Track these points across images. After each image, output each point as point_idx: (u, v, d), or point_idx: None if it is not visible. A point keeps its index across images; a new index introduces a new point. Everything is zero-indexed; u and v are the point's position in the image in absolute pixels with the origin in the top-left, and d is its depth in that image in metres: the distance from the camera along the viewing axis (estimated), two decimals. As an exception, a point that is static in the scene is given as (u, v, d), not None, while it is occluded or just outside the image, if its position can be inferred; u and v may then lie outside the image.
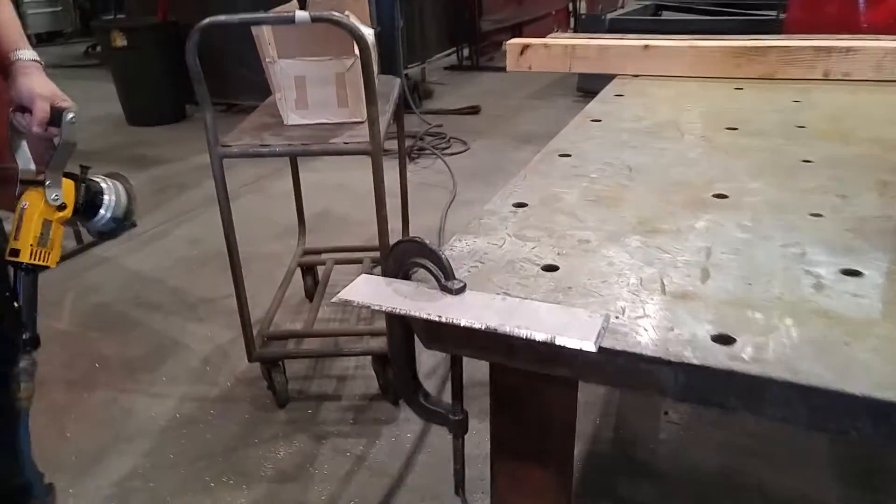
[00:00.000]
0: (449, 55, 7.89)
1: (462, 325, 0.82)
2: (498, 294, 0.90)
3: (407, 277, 0.95)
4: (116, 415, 2.15)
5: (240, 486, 1.84)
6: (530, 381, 0.93)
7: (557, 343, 0.77)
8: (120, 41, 5.72)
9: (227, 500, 1.79)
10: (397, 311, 0.85)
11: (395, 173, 2.61)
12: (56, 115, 1.29)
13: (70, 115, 1.29)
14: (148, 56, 5.71)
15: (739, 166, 1.38)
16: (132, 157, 4.97)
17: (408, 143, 4.69)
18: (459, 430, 0.99)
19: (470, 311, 0.85)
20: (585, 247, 1.04)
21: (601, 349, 0.77)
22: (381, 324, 2.19)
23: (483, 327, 0.81)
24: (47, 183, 1.31)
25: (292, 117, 2.13)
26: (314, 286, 2.77)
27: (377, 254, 2.40)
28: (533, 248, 1.05)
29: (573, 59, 2.10)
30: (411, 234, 0.96)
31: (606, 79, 2.05)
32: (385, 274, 0.96)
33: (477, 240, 1.08)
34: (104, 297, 2.91)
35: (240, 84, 5.11)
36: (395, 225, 2.98)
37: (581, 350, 0.77)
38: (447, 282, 0.90)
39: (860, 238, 1.02)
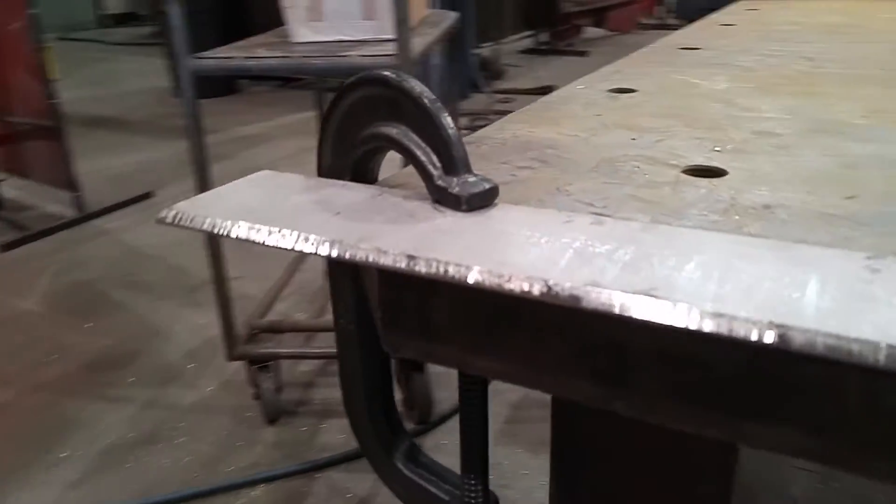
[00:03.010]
0: (525, 38, 7.39)
1: (472, 279, 0.28)
2: (584, 214, 0.35)
3: (365, 178, 0.42)
4: (56, 423, 1.71)
5: (192, 536, 1.35)
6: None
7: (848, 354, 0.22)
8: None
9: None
10: (290, 244, 0.32)
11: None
12: None
13: None
14: (196, 21, 5.44)
15: None
16: (168, 127, 4.67)
17: (468, 119, 4.21)
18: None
19: (507, 247, 0.31)
20: (778, 139, 0.48)
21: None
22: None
23: (540, 290, 0.27)
24: None
25: (303, 32, 1.63)
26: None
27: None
28: (658, 141, 0.49)
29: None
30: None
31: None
32: (319, 168, 0.44)
33: (535, 129, 0.54)
34: (89, 274, 2.52)
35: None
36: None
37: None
38: (446, 178, 0.36)
39: None
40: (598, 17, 7.45)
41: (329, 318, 2.09)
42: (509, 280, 0.28)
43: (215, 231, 0.35)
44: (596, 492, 0.48)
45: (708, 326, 0.25)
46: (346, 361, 0.49)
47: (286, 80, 5.50)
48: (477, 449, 0.43)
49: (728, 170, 0.43)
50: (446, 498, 0.45)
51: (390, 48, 1.40)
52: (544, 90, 5.44)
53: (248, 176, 0.42)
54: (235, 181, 0.41)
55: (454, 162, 0.36)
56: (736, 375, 0.27)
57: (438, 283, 0.30)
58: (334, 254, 0.31)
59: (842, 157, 0.44)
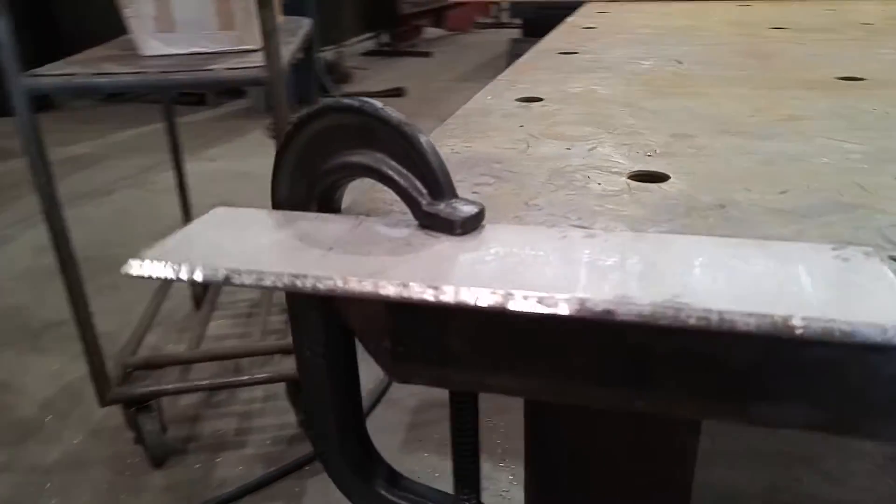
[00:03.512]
0: (367, 40, 7.40)
1: (515, 306, 0.29)
2: (571, 228, 0.37)
3: (331, 207, 0.41)
4: None
5: None
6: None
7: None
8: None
9: None
10: (297, 284, 0.30)
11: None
12: None
13: None
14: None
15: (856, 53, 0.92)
16: (-29, 152, 4.13)
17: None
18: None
19: (520, 268, 0.32)
20: (696, 141, 0.53)
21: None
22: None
23: (575, 309, 0.28)
24: None
25: (152, 45, 1.52)
26: (203, 292, 2.14)
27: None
28: (592, 150, 0.53)
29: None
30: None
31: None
32: (275, 200, 0.42)
33: (470, 144, 0.55)
34: None
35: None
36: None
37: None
38: (433, 204, 0.36)
39: None
40: (437, 17, 7.65)
41: (210, 347, 1.97)
42: (543, 302, 0.29)
43: (205, 279, 0.32)
44: (573, 485, 0.50)
45: (744, 326, 0.27)
46: (314, 394, 0.47)
47: (111, 94, 5.07)
48: (470, 463, 0.44)
49: (668, 173, 0.47)
50: (439, 520, 0.45)
51: (256, 59, 1.35)
52: (395, 92, 5.49)
53: (202, 217, 0.39)
54: (191, 224, 0.38)
55: (440, 187, 0.36)
56: (749, 365, 0.30)
57: (455, 309, 0.30)
58: (361, 291, 0.30)
59: (756, 155, 0.50)
